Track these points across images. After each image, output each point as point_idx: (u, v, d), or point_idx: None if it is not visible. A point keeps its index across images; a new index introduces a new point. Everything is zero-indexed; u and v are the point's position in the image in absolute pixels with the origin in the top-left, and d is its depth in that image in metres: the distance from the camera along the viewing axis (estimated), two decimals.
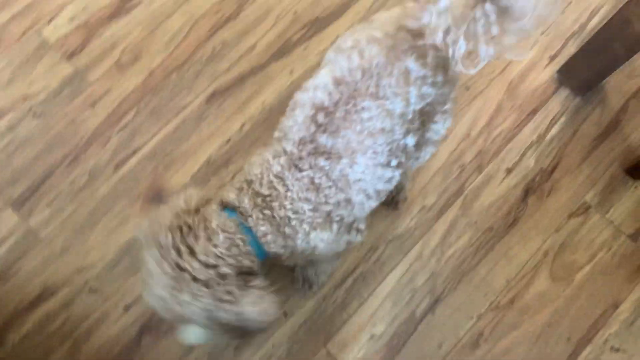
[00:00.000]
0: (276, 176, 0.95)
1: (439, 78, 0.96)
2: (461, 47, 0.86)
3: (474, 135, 1.46)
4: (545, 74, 1.51)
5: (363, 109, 0.91)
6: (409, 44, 0.92)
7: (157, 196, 1.41)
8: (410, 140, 1.00)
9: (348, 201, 0.99)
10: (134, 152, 1.45)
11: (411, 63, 0.92)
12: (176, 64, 1.53)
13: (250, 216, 0.95)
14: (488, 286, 1.36)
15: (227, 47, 1.54)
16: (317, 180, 0.94)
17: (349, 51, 0.94)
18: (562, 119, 1.47)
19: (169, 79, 1.51)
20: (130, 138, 1.46)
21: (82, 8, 1.57)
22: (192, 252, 0.87)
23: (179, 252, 0.87)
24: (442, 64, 0.94)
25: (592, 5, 1.56)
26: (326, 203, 0.96)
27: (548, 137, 1.46)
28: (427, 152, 1.18)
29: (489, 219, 1.40)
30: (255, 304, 0.90)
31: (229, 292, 0.88)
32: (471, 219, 1.40)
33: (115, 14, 1.56)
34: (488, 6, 0.82)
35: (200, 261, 0.87)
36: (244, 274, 0.92)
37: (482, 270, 1.37)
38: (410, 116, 0.96)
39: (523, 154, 1.45)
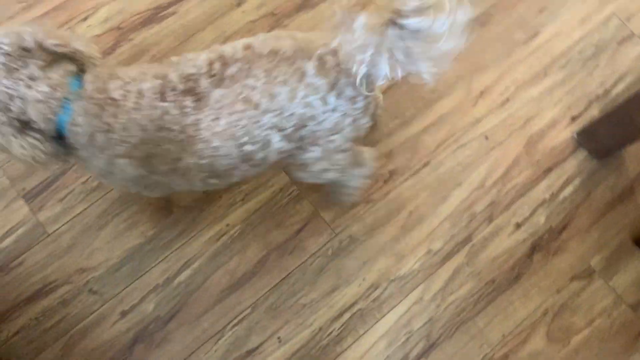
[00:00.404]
0: (138, 91, 0.96)
1: (330, 99, 0.99)
2: (364, 69, 0.90)
3: (488, 186, 1.47)
4: (566, 133, 1.52)
5: (252, 76, 0.96)
6: (317, 55, 0.97)
7: (166, 205, 1.42)
8: (276, 139, 1.01)
9: (176, 160, 1.00)
10: None
11: (310, 68, 0.96)
12: None
13: (82, 101, 0.95)
14: (484, 338, 1.36)
15: None
16: (167, 117, 0.95)
17: (271, 35, 1.03)
18: (577, 180, 1.48)
19: None
20: None
21: (117, 11, 1.59)
22: (15, 70, 0.91)
23: (17, 59, 0.91)
24: (339, 88, 0.98)
25: (619, 71, 1.57)
26: (157, 145, 0.98)
27: (561, 196, 1.47)
28: (306, 176, 1.18)
29: (493, 271, 1.40)
30: (21, 147, 0.95)
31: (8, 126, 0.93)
32: (475, 269, 1.40)
33: (148, 20, 1.58)
34: (394, 31, 0.83)
35: (15, 80, 0.90)
36: (28, 124, 0.95)
37: (480, 321, 1.37)
38: (287, 113, 0.98)
39: (534, 211, 1.45)
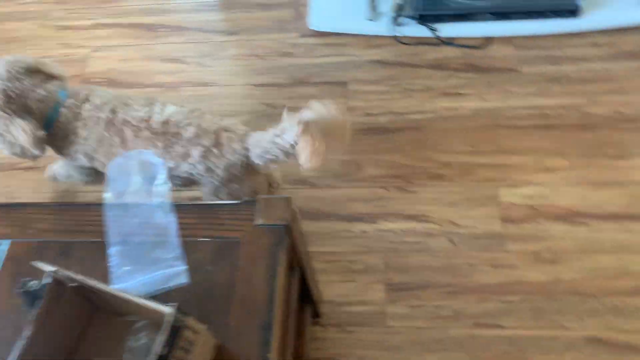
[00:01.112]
0: (97, 117, 1.36)
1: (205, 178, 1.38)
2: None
3: None
4: None
5: (154, 145, 1.33)
6: (206, 146, 1.33)
7: None
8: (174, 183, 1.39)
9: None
10: (498, 327, 1.54)
11: (196, 154, 1.33)
12: (583, 291, 1.58)
13: (64, 109, 1.38)
14: None
15: (635, 313, 1.54)
16: (105, 140, 1.36)
17: (189, 118, 1.35)
18: None
19: (568, 296, 1.57)
20: (502, 314, 1.56)
21: (543, 195, 1.75)
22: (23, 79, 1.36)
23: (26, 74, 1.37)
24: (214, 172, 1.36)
25: None
26: (97, 152, 1.40)
27: None
28: None
29: None
30: (23, 131, 1.33)
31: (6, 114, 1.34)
32: None
33: (564, 217, 1.70)
34: None
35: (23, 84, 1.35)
36: (29, 113, 1.35)
37: None
38: (174, 174, 1.37)
39: None
